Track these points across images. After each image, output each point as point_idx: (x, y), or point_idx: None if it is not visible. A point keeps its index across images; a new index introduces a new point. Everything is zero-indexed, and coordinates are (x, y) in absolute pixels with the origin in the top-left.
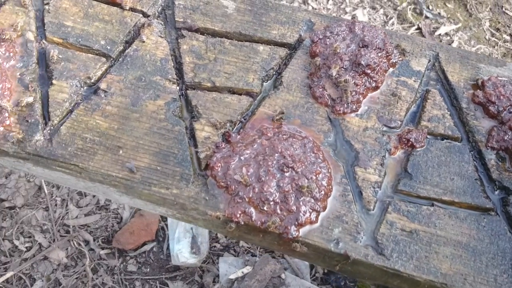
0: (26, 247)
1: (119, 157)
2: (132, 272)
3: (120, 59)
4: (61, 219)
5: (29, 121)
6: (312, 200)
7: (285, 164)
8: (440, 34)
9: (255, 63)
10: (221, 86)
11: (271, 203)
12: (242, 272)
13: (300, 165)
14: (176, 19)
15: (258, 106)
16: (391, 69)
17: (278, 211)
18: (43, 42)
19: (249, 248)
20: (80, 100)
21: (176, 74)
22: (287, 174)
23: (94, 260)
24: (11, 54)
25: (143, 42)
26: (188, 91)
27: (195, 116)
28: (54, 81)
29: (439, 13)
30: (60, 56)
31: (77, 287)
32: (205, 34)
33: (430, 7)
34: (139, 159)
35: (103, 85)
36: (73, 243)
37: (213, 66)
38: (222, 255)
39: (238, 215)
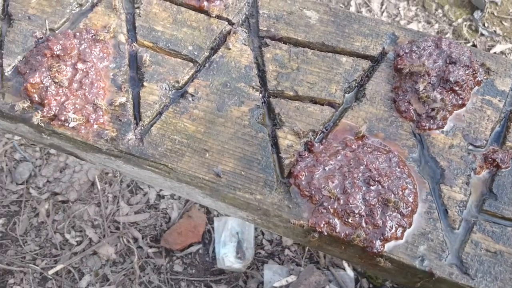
0: (77, 241)
1: (206, 160)
2: (178, 272)
3: (206, 64)
4: (112, 216)
5: (122, 120)
6: (399, 216)
7: (371, 178)
8: (495, 52)
9: (338, 74)
10: (303, 96)
11: (357, 216)
12: (287, 281)
13: (387, 180)
14: (260, 27)
15: (340, 117)
16: (476, 87)
17: (364, 224)
18: (134, 45)
19: (293, 257)
20: (169, 103)
21: (259, 82)
22: (373, 188)
23: (142, 258)
24: (105, 55)
25: (229, 49)
26: (270, 98)
27: (278, 124)
28: (145, 83)
29: (494, 31)
30: (151, 60)
31: (124, 284)
32: (287, 44)
33: (486, 25)
34: (224, 163)
35: (190, 89)
36: (123, 240)
37: (296, 75)
38: (267, 262)
39: (322, 225)
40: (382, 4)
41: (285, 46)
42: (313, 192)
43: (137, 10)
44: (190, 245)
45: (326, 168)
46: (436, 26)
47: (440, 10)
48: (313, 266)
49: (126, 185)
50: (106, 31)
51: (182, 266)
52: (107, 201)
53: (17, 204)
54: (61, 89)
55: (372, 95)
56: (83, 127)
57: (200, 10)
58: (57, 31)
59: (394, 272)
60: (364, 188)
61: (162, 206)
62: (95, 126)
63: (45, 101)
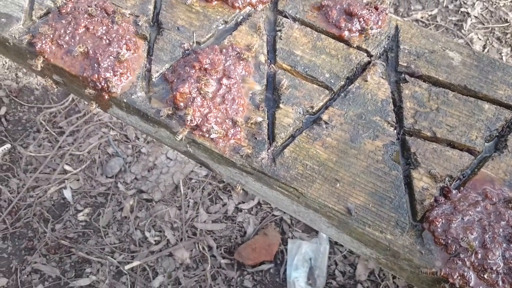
0: (155, 241)
1: (336, 190)
2: None
3: (341, 94)
4: (191, 221)
5: (257, 138)
6: None
7: None
8: None
9: (479, 120)
10: (441, 138)
11: (494, 272)
12: None
13: None
14: (399, 62)
15: (479, 166)
16: None
17: (500, 282)
18: (272, 67)
19: None
20: (302, 127)
21: (395, 118)
22: None
23: (214, 268)
24: (247, 73)
25: (366, 81)
26: (406, 136)
27: (412, 164)
28: (281, 105)
29: None
30: (288, 83)
31: None
32: (427, 82)
33: None
34: (355, 196)
35: (324, 117)
36: (198, 246)
37: (435, 116)
38: None
39: (455, 277)
40: (484, 47)
41: (425, 85)
42: (449, 241)
43: (279, 33)
44: (262, 263)
45: (465, 219)
46: None
47: None
48: None
49: (207, 193)
50: (249, 50)
51: (252, 283)
52: (188, 206)
53: (104, 196)
54: (205, 101)
55: None
56: (221, 140)
57: (340, 39)
58: (202, 45)
59: None
60: (504, 245)
61: (239, 219)
62: (232, 141)
63: (190, 112)
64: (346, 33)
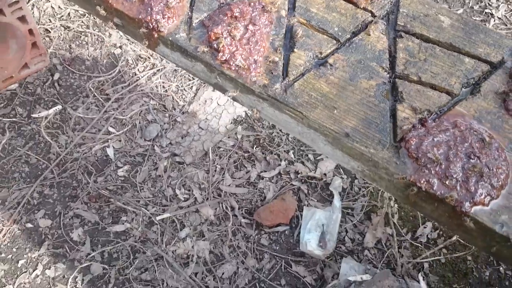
0: (184, 198)
1: (333, 115)
2: (263, 245)
3: (346, 44)
4: (217, 183)
5: (273, 73)
6: (489, 187)
7: (472, 153)
8: None
9: (459, 70)
10: (425, 82)
11: (454, 179)
12: (361, 278)
13: (486, 157)
14: (398, 22)
15: (455, 104)
16: None
17: (458, 187)
18: (291, 20)
19: (372, 259)
20: (310, 68)
21: (389, 65)
22: (472, 161)
23: (235, 225)
24: (269, 23)
25: (369, 35)
26: (396, 79)
27: (398, 100)
28: (295, 50)
29: None
30: (303, 33)
31: (217, 243)
32: (419, 39)
33: None
34: (348, 120)
35: (330, 60)
36: (222, 206)
37: (422, 65)
38: (346, 257)
39: (422, 182)
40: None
41: (417, 40)
42: (420, 155)
43: None
44: (279, 225)
45: (435, 139)
46: None
47: None
48: (389, 271)
49: (233, 161)
50: (273, 5)
51: (268, 241)
52: (215, 170)
53: (142, 156)
54: (234, 41)
55: (486, 92)
56: (244, 72)
57: (349, 1)
58: (234, 0)
59: (475, 234)
60: (465, 159)
61: (260, 186)
62: (253, 73)
63: (221, 48)
64: None
